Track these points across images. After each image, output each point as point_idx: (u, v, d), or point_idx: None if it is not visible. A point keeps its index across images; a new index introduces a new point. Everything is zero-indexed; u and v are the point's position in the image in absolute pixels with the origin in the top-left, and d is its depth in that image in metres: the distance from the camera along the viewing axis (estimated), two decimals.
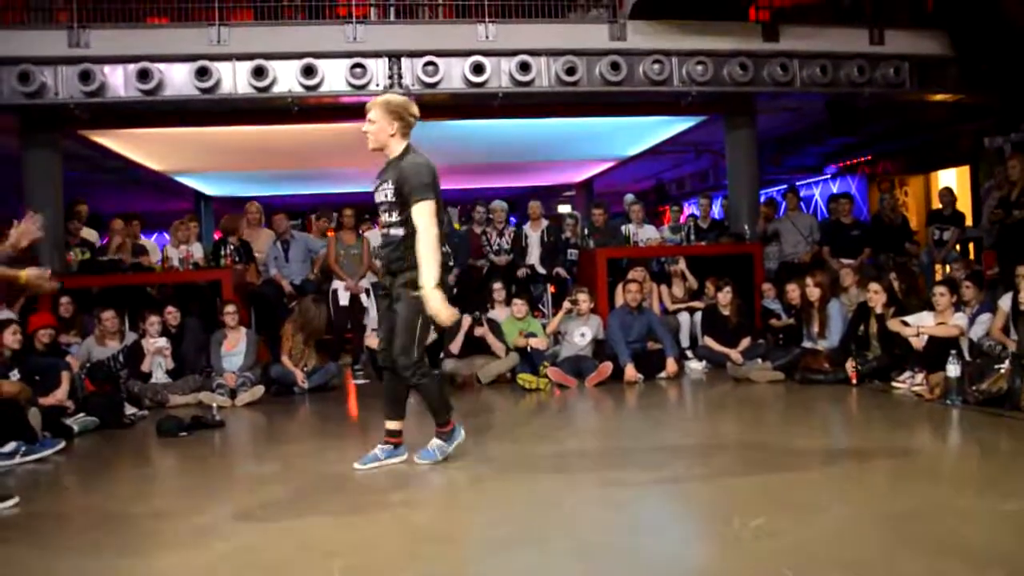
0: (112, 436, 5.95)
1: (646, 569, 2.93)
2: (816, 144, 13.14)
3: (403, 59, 8.27)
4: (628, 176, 16.18)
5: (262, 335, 8.08)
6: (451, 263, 8.79)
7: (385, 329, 4.43)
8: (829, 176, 14.56)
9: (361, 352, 8.25)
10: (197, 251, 8.61)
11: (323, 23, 8.42)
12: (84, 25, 7.93)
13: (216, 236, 9.08)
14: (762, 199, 10.59)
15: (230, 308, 7.46)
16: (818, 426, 5.74)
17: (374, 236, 9.11)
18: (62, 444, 5.37)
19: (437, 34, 8.50)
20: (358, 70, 8.15)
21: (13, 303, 7.38)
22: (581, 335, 7.72)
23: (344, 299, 8.43)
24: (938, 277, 8.73)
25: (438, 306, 4.06)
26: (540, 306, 9.27)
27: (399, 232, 4.25)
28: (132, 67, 7.89)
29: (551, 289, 9.51)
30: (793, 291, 7.81)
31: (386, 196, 4.28)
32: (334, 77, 8.18)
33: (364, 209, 9.99)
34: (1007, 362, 5.62)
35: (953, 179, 12.10)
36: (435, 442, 4.50)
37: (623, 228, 9.42)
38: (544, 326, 7.98)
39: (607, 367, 7.30)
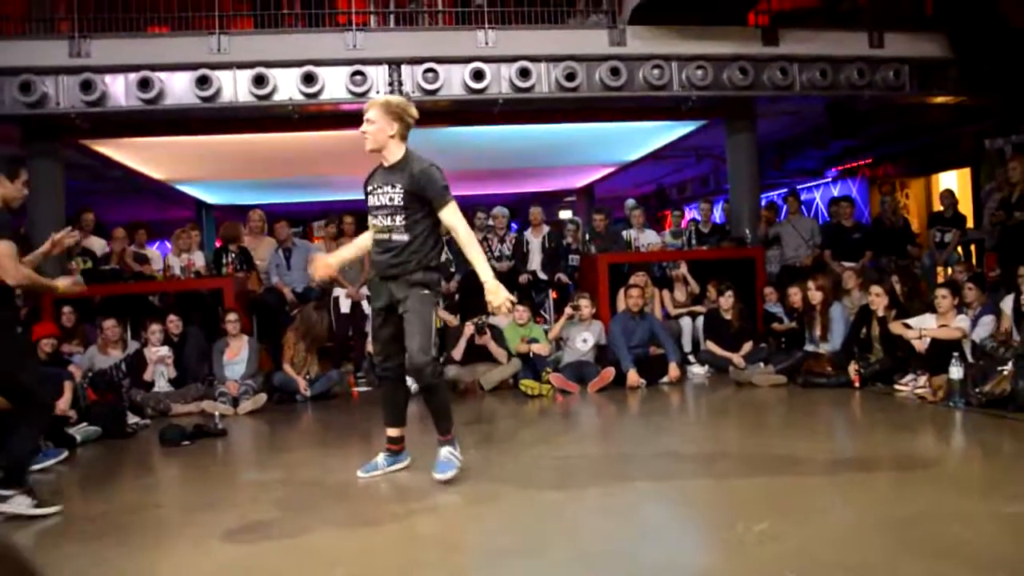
0: (115, 445, 5.95)
1: None
2: (817, 148, 13.13)
3: (403, 66, 8.28)
4: (629, 181, 16.19)
5: (264, 343, 8.09)
6: (452, 269, 8.83)
7: (387, 335, 4.37)
8: (830, 179, 14.56)
9: (363, 359, 8.24)
10: (199, 259, 8.62)
11: (323, 31, 8.44)
12: (85, 35, 7.96)
13: (217, 244, 9.09)
14: (763, 203, 10.59)
15: (232, 316, 7.47)
16: (821, 430, 5.73)
17: None
18: (65, 454, 5.37)
19: (437, 41, 8.51)
20: (358, 77, 8.16)
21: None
22: (583, 341, 7.72)
23: (345, 306, 8.44)
24: (940, 279, 8.73)
25: (502, 295, 4.08)
26: (542, 312, 9.27)
27: (402, 237, 4.18)
28: (133, 76, 7.92)
29: (553, 295, 9.51)
30: (795, 295, 7.81)
31: (391, 200, 4.18)
32: (334, 84, 8.20)
33: (366, 215, 10.00)
34: (1010, 364, 5.62)
35: (954, 181, 12.09)
36: (446, 451, 4.33)
37: (624, 233, 9.42)
38: (546, 332, 7.97)
39: (609, 372, 7.29)
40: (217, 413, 6.61)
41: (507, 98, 8.42)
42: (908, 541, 3.08)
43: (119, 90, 7.99)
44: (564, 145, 11.89)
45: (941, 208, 9.76)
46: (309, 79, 8.07)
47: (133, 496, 4.48)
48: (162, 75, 7.97)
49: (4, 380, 4.15)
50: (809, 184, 14.90)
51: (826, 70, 8.78)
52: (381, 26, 8.85)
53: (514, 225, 11.31)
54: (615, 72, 8.42)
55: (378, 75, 8.25)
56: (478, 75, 8.25)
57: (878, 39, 9.01)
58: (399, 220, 4.17)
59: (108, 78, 7.94)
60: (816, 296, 7.47)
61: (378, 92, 8.19)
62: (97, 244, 8.87)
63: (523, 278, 9.11)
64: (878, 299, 7.01)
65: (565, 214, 17.44)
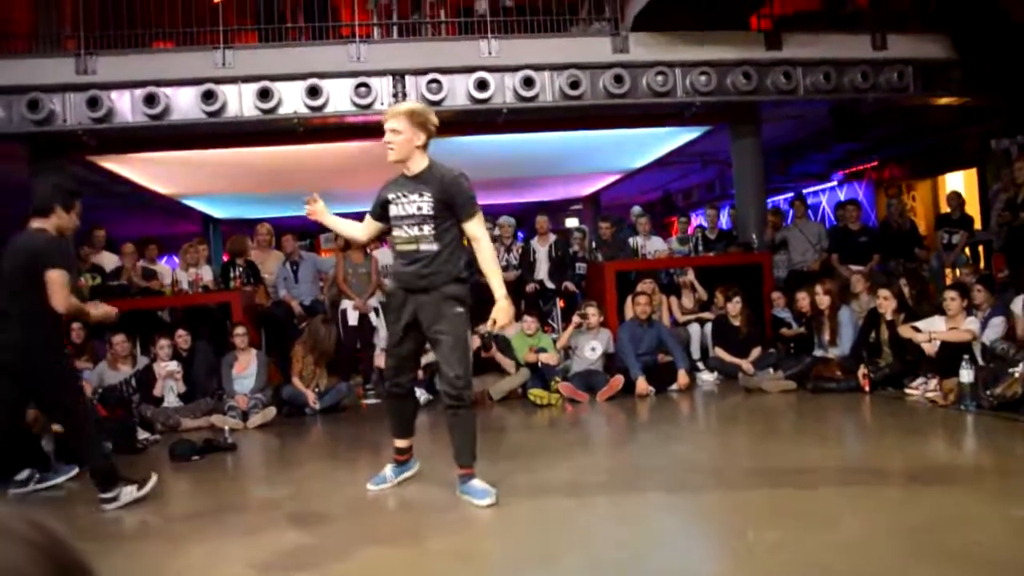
0: (125, 461, 5.91)
1: None
2: (822, 151, 13.12)
3: (407, 77, 8.31)
4: (635, 188, 16.20)
5: (272, 356, 8.10)
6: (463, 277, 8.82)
7: (405, 352, 4.24)
8: (836, 183, 14.55)
9: (372, 371, 8.25)
10: (206, 274, 8.64)
11: (327, 43, 8.48)
12: (91, 52, 8.01)
13: (224, 258, 9.12)
14: (768, 208, 10.58)
15: (240, 330, 7.48)
16: (831, 436, 5.71)
17: (383, 255, 9.13)
18: (75, 471, 5.37)
19: (440, 51, 8.54)
20: (363, 89, 8.19)
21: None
22: (591, 349, 7.71)
23: (353, 318, 8.44)
24: (948, 282, 8.70)
25: (509, 315, 4.08)
26: (550, 321, 9.26)
27: (431, 247, 4.05)
28: (139, 92, 7.97)
29: (560, 304, 9.50)
30: (803, 299, 7.78)
31: (419, 209, 4.05)
32: (339, 97, 8.23)
33: None
34: (1021, 366, 5.59)
35: (960, 182, 12.07)
36: (476, 481, 4.12)
37: (631, 241, 9.41)
38: (554, 341, 7.96)
39: (618, 381, 7.28)
40: (227, 427, 6.62)
41: (511, 107, 8.44)
42: (919, 547, 3.06)
43: (125, 106, 8.03)
44: (569, 153, 11.91)
45: (948, 210, 9.74)
46: (313, 92, 8.11)
47: (142, 512, 4.48)
48: (168, 90, 8.02)
49: (51, 401, 4.48)
50: (815, 188, 14.89)
51: (829, 73, 8.77)
52: (384, 38, 8.88)
53: (520, 234, 11.31)
54: (619, 79, 8.43)
55: (382, 87, 8.28)
56: (482, 85, 8.27)
57: (881, 41, 9.01)
58: (428, 230, 4.05)
59: (114, 94, 7.99)
60: (824, 300, 7.45)
61: (382, 104, 8.22)
62: (107, 260, 8.91)
63: (530, 287, 9.11)
64: (886, 302, 6.98)
65: (571, 222, 17.45)
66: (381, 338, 8.28)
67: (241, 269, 8.48)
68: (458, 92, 8.34)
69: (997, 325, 6.57)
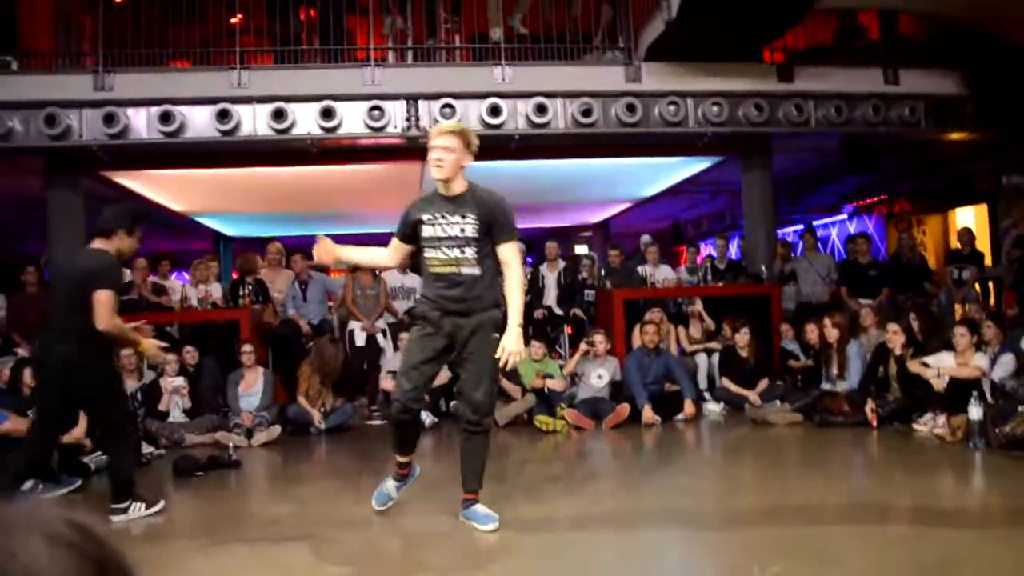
0: None
1: None
2: (832, 184, 13.14)
3: (420, 101, 8.36)
4: (644, 217, 16.22)
5: (279, 375, 8.10)
6: None
7: (429, 375, 4.14)
8: (846, 216, 14.54)
9: (377, 392, 8.24)
10: (216, 291, 8.67)
11: (342, 66, 8.54)
12: (109, 69, 8.09)
13: (234, 276, 9.15)
14: (778, 239, 10.57)
15: (247, 348, 7.49)
16: (838, 470, 5.66)
17: (391, 277, 9.15)
18: (79, 482, 5.38)
19: (454, 76, 8.60)
20: (376, 112, 8.23)
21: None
22: (598, 377, 7.69)
23: (360, 339, 8.44)
24: (957, 317, 8.66)
25: (521, 345, 3.97)
26: (557, 347, 9.24)
27: (474, 271, 3.98)
28: (155, 109, 8.03)
29: (568, 330, 9.49)
30: (812, 332, 7.76)
31: (461, 231, 3.96)
32: (352, 119, 8.28)
33: None
34: None
35: (971, 218, 12.05)
36: (481, 506, 4.14)
37: (640, 269, 9.42)
38: (561, 367, 7.94)
39: (624, 409, 7.25)
40: (231, 444, 6.61)
41: (523, 133, 8.47)
42: None
43: (141, 123, 8.10)
44: (580, 180, 11.95)
45: (958, 245, 9.72)
46: (327, 114, 8.16)
47: (144, 526, 4.47)
48: (183, 109, 8.08)
49: (96, 411, 4.73)
50: (825, 220, 14.89)
51: (841, 106, 8.80)
52: (399, 62, 8.95)
53: (529, 259, 11.33)
54: (631, 108, 8.47)
55: (396, 110, 8.33)
56: (495, 110, 8.32)
57: (893, 76, 9.04)
58: (470, 252, 3.97)
59: (130, 111, 8.05)
60: (832, 333, 7.42)
61: (395, 127, 8.27)
62: (123, 275, 8.94)
63: (538, 313, 9.11)
64: (895, 337, 6.95)
65: (580, 249, 17.46)
66: (388, 360, 8.28)
67: (250, 287, 8.50)
68: (471, 117, 8.38)
69: (1007, 362, 6.52)
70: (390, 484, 4.40)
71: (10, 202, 11.02)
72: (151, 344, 4.87)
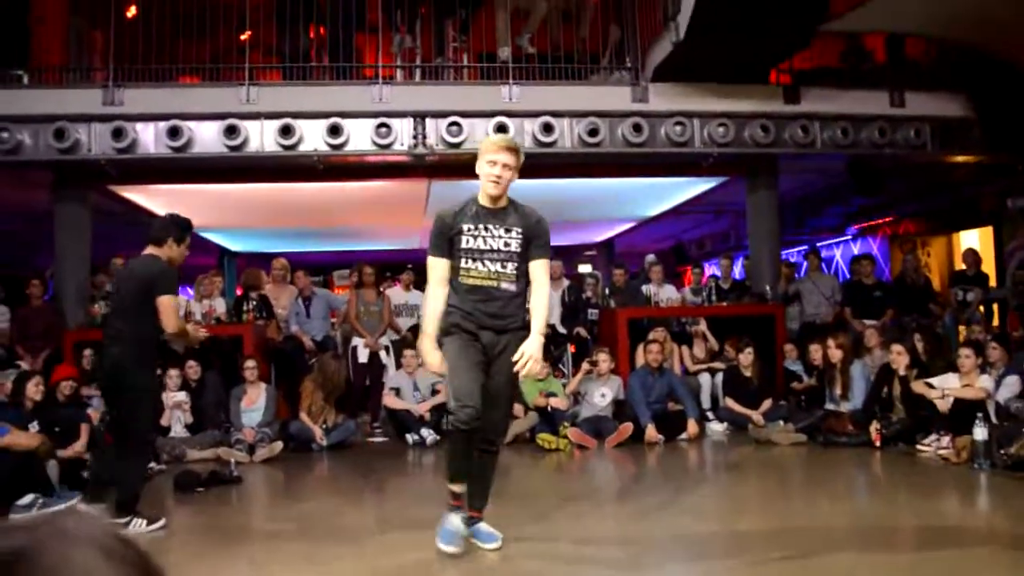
0: None
1: None
2: (837, 205, 13.14)
3: (428, 119, 8.39)
4: (648, 236, 16.23)
5: (281, 391, 8.09)
6: None
7: (480, 382, 3.86)
8: (850, 237, 14.54)
9: (380, 409, 8.23)
10: (220, 306, 8.68)
11: (350, 83, 8.59)
12: (119, 84, 8.14)
13: (238, 292, 9.17)
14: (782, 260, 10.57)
15: (250, 363, 7.48)
16: (842, 492, 5.63)
17: (395, 294, 9.17)
18: (79, 497, 5.36)
19: (462, 95, 8.63)
20: (383, 129, 8.26)
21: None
22: (601, 395, 7.67)
23: (363, 356, 8.44)
24: (961, 339, 8.64)
25: (541, 354, 3.92)
26: (560, 366, 9.23)
27: (511, 287, 3.91)
28: (163, 124, 8.07)
29: (571, 349, 9.48)
30: (816, 352, 7.74)
31: (506, 246, 3.89)
32: (360, 136, 8.31)
33: (386, 266, 10.03)
34: None
35: (976, 240, 12.04)
36: (485, 526, 4.07)
37: (644, 288, 9.42)
38: (564, 386, 7.93)
39: (627, 428, 7.23)
40: (233, 460, 6.59)
41: (530, 152, 8.43)
42: None
43: (149, 138, 8.13)
44: (585, 200, 11.96)
45: (963, 267, 9.71)
46: (335, 131, 8.19)
47: (145, 542, 4.45)
48: (191, 124, 8.12)
49: (126, 418, 4.81)
50: (829, 241, 14.88)
51: (847, 128, 8.81)
52: (407, 80, 9.00)
53: None
54: (637, 128, 8.49)
55: (403, 128, 8.36)
56: (501, 129, 8.32)
57: (899, 98, 9.06)
58: (511, 268, 3.90)
59: (139, 126, 8.09)
60: (836, 354, 7.40)
61: (402, 144, 8.30)
62: None
63: None
64: (899, 358, 6.94)
65: (584, 268, 17.47)
66: (390, 377, 8.28)
67: (254, 303, 8.50)
68: (478, 135, 8.38)
69: (1012, 384, 6.49)
70: (455, 520, 3.96)
71: (18, 215, 11.06)
72: (196, 331, 5.34)
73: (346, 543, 4.23)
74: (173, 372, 7.36)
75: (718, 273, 10.31)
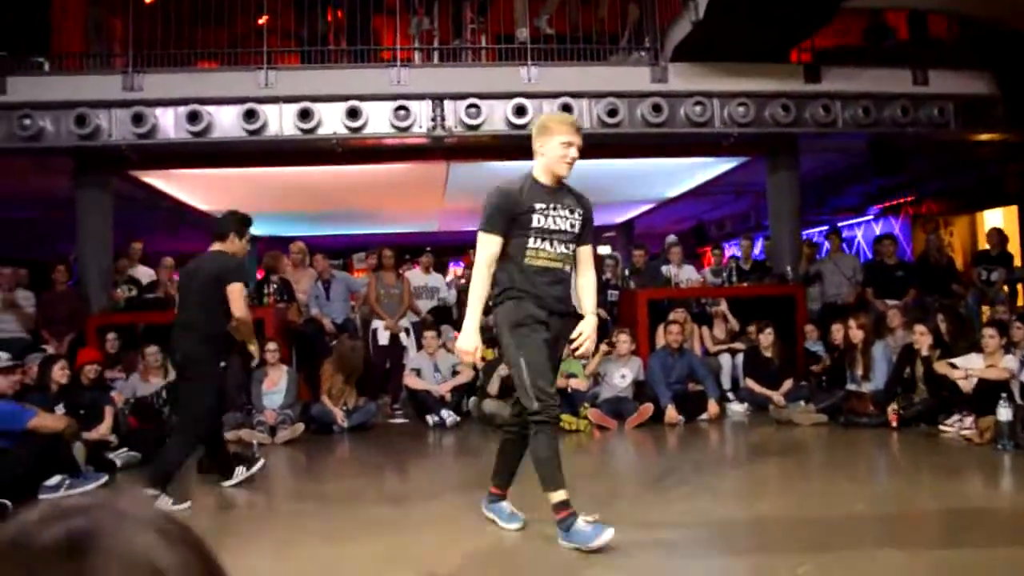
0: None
1: None
2: (859, 184, 13.02)
3: (446, 101, 8.37)
4: (668, 217, 16.16)
5: (302, 373, 8.14)
6: (491, 303, 8.84)
7: (553, 375, 3.82)
8: (872, 217, 14.42)
9: (400, 391, 8.27)
10: None
11: (368, 66, 8.58)
12: (138, 70, 8.17)
13: (259, 274, 9.22)
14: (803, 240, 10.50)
15: (271, 346, 7.53)
16: (864, 471, 5.62)
17: (414, 276, 9.19)
18: (105, 478, 5.44)
19: (480, 77, 8.60)
20: (402, 112, 8.25)
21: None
22: (621, 376, 7.67)
23: (384, 338, 8.49)
24: (985, 319, 8.56)
25: (595, 334, 3.89)
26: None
27: (568, 270, 3.86)
28: (182, 109, 8.09)
29: None
30: (837, 332, 7.69)
31: (571, 227, 3.84)
32: (378, 119, 8.30)
33: (405, 249, 10.02)
34: None
35: (1000, 219, 11.90)
36: (507, 505, 4.07)
37: (664, 269, 9.38)
38: (584, 367, 7.94)
39: (648, 409, 7.23)
40: (255, 442, 6.66)
41: None
42: None
43: (169, 123, 8.17)
44: (605, 181, 11.90)
45: (987, 246, 9.61)
46: (353, 114, 8.18)
47: None
48: (210, 108, 8.14)
49: (185, 400, 5.13)
50: (851, 221, 14.76)
51: (869, 107, 8.71)
52: (425, 62, 8.98)
53: None
54: (657, 109, 8.43)
55: (421, 110, 8.35)
56: (520, 111, 8.30)
57: (922, 76, 8.93)
58: (572, 250, 3.86)
59: (159, 111, 8.13)
60: (857, 335, 7.36)
61: (420, 127, 8.29)
62: (143, 273, 9.05)
63: None
64: (922, 338, 6.89)
65: (603, 249, 17.42)
66: (411, 358, 8.31)
67: (275, 286, 8.55)
68: (496, 117, 8.37)
69: None
70: (581, 524, 3.67)
71: (40, 201, 11.17)
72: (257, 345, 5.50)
73: (365, 523, 4.27)
74: None
75: (738, 254, 10.26)
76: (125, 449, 6.09)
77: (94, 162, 8.63)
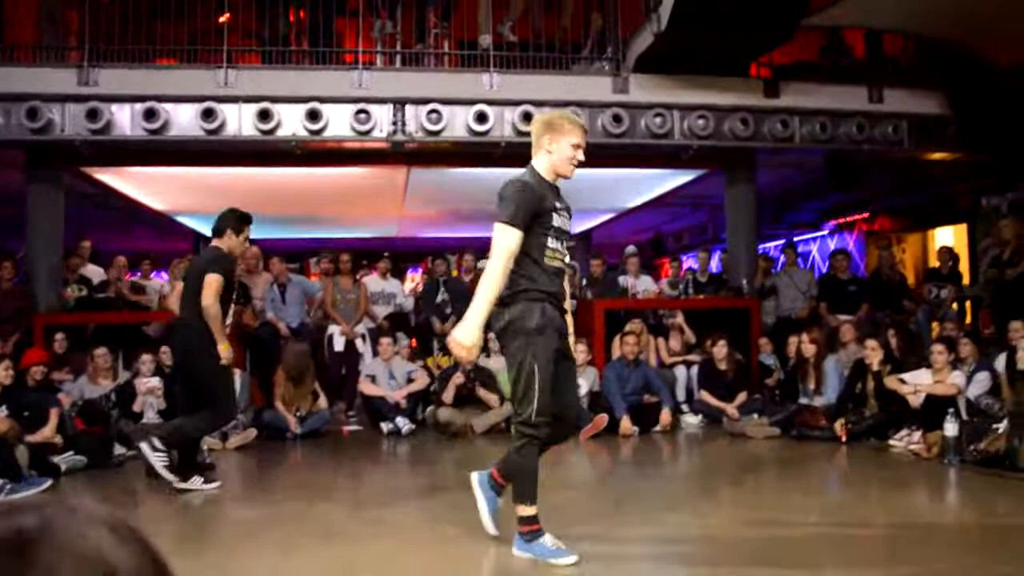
0: (100, 476, 5.87)
1: None
2: (815, 200, 13.22)
3: (408, 106, 8.33)
4: (626, 228, 16.24)
5: (256, 378, 8.03)
6: (448, 311, 8.82)
7: (561, 379, 3.72)
8: (827, 232, 14.64)
9: (355, 398, 8.19)
10: None
11: (329, 68, 8.52)
12: (94, 64, 8.02)
13: None
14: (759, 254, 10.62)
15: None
16: (814, 485, 5.68)
17: (372, 282, 9.12)
18: (49, 483, 5.30)
19: (442, 82, 8.59)
20: (363, 115, 8.20)
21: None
22: (576, 387, 7.66)
23: (339, 344, 8.40)
24: (935, 335, 8.73)
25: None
26: None
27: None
28: (139, 106, 7.95)
29: None
30: (794, 345, 7.79)
31: (569, 226, 3.84)
32: (338, 122, 8.23)
33: (363, 254, 9.95)
34: (1005, 422, 5.60)
35: (950, 238, 12.16)
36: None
37: (621, 280, 9.43)
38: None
39: (602, 419, 7.24)
40: (205, 447, 6.53)
41: (509, 141, 8.45)
42: None
43: (124, 119, 8.02)
44: (564, 190, 11.92)
45: (938, 264, 9.80)
46: (313, 116, 8.11)
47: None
48: (168, 106, 8.01)
49: (202, 392, 5.28)
50: (806, 236, 14.98)
51: (826, 123, 8.86)
52: (387, 66, 8.93)
53: None
54: (617, 119, 8.48)
55: (382, 114, 8.30)
56: (481, 117, 8.30)
57: (877, 94, 9.11)
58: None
59: (114, 107, 7.98)
60: (809, 349, 7.46)
61: (381, 131, 8.24)
62: (93, 272, 8.87)
63: None
64: (873, 353, 7.00)
65: None
66: (366, 364, 8.24)
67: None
68: (457, 124, 8.36)
69: (982, 380, 6.58)
70: (548, 540, 3.62)
71: None
72: (228, 348, 5.25)
73: (317, 531, 4.21)
74: (146, 357, 7.28)
75: (695, 266, 10.35)
76: (71, 453, 5.93)
77: (46, 157, 8.44)
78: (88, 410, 6.86)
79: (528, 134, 8.44)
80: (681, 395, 8.35)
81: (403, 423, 7.52)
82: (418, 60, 9.13)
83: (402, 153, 8.89)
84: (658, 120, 8.56)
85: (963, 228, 12.01)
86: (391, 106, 8.33)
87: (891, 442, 6.42)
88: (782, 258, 10.37)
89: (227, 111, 8.08)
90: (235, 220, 5.47)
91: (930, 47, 9.56)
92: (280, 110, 8.11)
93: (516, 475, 3.68)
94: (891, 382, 6.65)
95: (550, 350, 3.59)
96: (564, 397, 3.75)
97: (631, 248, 10.14)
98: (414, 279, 13.60)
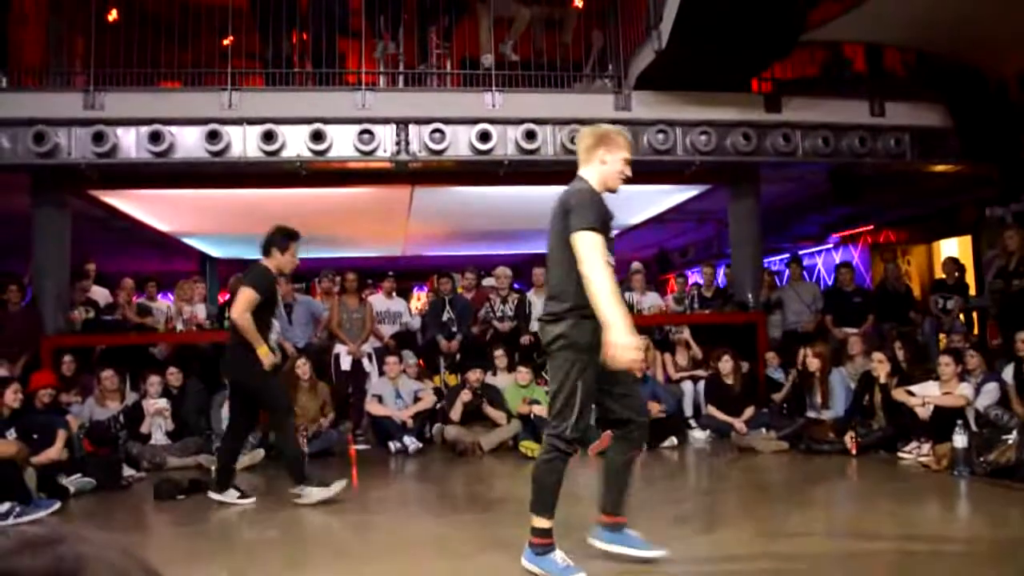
0: (108, 498, 5.87)
1: None
2: (819, 213, 13.22)
3: (411, 126, 8.36)
4: (631, 244, 16.24)
5: None
6: (454, 329, 8.83)
7: (617, 381, 3.69)
8: (831, 245, 14.63)
9: (362, 417, 8.19)
10: (201, 312, 8.62)
11: (333, 89, 8.56)
12: (100, 88, 8.07)
13: (220, 297, 9.10)
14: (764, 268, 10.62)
15: None
16: (822, 498, 5.66)
17: (378, 301, 9.13)
18: (57, 505, 5.31)
19: (445, 102, 8.62)
20: (366, 136, 8.23)
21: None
22: None
23: (346, 363, 8.40)
24: (942, 347, 8.71)
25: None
26: (543, 373, 9.21)
27: None
28: (144, 129, 7.99)
29: None
30: (802, 359, 7.78)
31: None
32: (342, 143, 8.27)
33: (368, 273, 9.96)
34: (1015, 433, 5.58)
35: (955, 249, 12.15)
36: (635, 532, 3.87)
37: (626, 296, 9.42)
38: (547, 393, 7.90)
39: (610, 435, 7.21)
40: (214, 468, 6.53)
41: (512, 159, 8.48)
42: None
43: (130, 142, 8.06)
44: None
45: (943, 275, 9.79)
46: (317, 136, 8.15)
47: None
48: (173, 129, 8.06)
49: (265, 404, 5.55)
50: (811, 250, 14.97)
51: (828, 137, 8.87)
52: (390, 86, 8.97)
53: (518, 285, 11.32)
54: None
55: (385, 134, 8.33)
56: (484, 136, 8.33)
57: (879, 108, 9.13)
58: None
59: (120, 130, 8.02)
60: (814, 363, 7.44)
61: (385, 151, 8.27)
62: (100, 294, 8.89)
63: (525, 338, 9.08)
64: (880, 365, 6.99)
65: None
66: (373, 384, 8.24)
67: None
68: (460, 143, 8.39)
69: (991, 391, 6.55)
70: (559, 556, 3.62)
71: None
72: (269, 354, 5.35)
73: (326, 550, 4.20)
74: (154, 379, 7.30)
75: (701, 281, 10.35)
76: (79, 475, 5.94)
77: (52, 181, 8.48)
78: (96, 432, 6.88)
79: (532, 151, 8.56)
80: (688, 410, 8.34)
81: (411, 442, 7.52)
82: (421, 80, 9.18)
83: (406, 172, 8.92)
84: (660, 136, 8.58)
85: (967, 240, 12.01)
86: (394, 126, 8.36)
87: (900, 454, 6.40)
88: (787, 272, 10.37)
89: (231, 133, 8.12)
90: (280, 237, 5.56)
91: (931, 60, 9.60)
92: (284, 131, 8.15)
93: (540, 487, 3.66)
94: (899, 394, 6.64)
95: (597, 368, 3.52)
96: (633, 397, 3.77)
97: (636, 264, 10.15)
98: (420, 298, 13.58)
